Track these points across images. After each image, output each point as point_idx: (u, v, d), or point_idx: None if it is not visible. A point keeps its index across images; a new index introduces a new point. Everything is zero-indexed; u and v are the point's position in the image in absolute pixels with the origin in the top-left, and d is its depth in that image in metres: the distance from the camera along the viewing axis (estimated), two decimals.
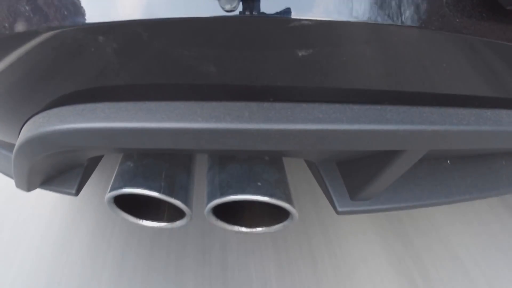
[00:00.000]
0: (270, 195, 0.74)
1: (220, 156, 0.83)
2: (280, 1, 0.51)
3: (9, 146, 0.82)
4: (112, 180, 0.78)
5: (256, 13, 0.51)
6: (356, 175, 0.80)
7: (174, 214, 0.86)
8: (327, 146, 0.61)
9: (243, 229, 0.87)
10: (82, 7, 0.52)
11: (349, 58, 0.56)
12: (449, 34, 0.55)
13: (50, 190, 0.86)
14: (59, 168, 0.83)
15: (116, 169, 0.79)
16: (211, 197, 0.77)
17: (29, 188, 0.80)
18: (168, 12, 0.51)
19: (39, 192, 1.53)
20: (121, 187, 0.74)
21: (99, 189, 1.57)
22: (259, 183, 0.75)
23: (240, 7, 0.51)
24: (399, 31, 0.54)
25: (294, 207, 0.76)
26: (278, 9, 0.51)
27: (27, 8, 0.53)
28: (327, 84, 0.59)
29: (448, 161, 0.93)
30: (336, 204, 0.82)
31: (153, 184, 0.75)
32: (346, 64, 0.57)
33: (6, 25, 0.55)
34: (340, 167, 0.85)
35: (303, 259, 1.30)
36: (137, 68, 0.57)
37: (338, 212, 0.83)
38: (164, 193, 0.74)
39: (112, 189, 0.75)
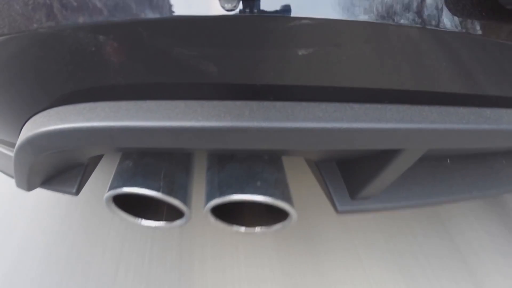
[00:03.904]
0: (269, 195, 0.73)
1: (219, 155, 0.83)
2: (280, 0, 0.51)
3: (10, 145, 0.82)
4: (111, 179, 0.77)
5: (256, 12, 0.51)
6: (356, 174, 0.80)
7: (173, 213, 0.86)
8: (327, 145, 0.61)
9: (242, 229, 0.87)
10: (82, 6, 0.52)
11: (349, 57, 0.56)
12: (449, 34, 0.56)
13: (50, 189, 0.86)
14: (59, 168, 0.83)
15: (115, 168, 0.79)
16: (210, 197, 0.76)
17: (29, 187, 0.80)
18: (168, 11, 0.51)
19: (38, 192, 1.53)
20: (120, 186, 0.74)
21: (98, 188, 1.57)
22: (258, 183, 0.75)
23: (240, 6, 0.51)
24: (399, 30, 0.54)
25: (293, 207, 0.76)
26: (278, 8, 0.51)
27: (27, 7, 0.53)
28: (327, 83, 0.59)
29: (448, 160, 0.93)
30: (336, 203, 0.82)
31: (152, 183, 0.75)
32: (346, 63, 0.57)
33: (6, 24, 0.55)
34: (340, 166, 0.85)
35: (303, 259, 1.31)
36: (137, 67, 0.57)
37: (338, 212, 0.83)
38: (163, 192, 0.74)
39: (111, 188, 0.75)
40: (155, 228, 0.88)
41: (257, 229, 0.86)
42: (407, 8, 0.53)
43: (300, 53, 0.55)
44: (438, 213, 1.54)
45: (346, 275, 1.26)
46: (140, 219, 0.87)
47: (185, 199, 0.78)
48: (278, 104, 0.58)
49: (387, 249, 1.37)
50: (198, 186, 0.98)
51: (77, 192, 0.86)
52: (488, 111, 0.65)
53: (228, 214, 0.86)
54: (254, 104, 0.58)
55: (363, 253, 1.34)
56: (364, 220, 1.49)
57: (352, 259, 1.32)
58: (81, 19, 0.52)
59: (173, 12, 0.52)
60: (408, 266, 1.31)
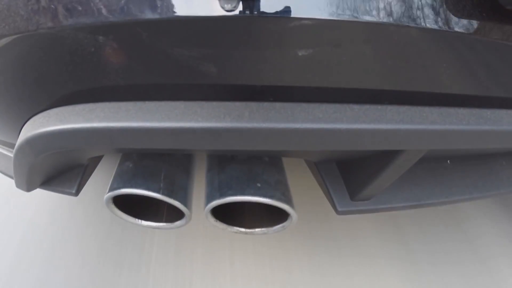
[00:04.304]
0: (270, 197, 0.73)
1: (220, 157, 0.83)
2: (280, 0, 0.51)
3: (10, 146, 0.82)
4: (111, 180, 0.77)
5: (256, 13, 0.51)
6: (356, 175, 0.80)
7: (173, 214, 0.86)
8: (327, 146, 0.61)
9: (242, 229, 0.87)
10: (81, 7, 0.52)
11: (349, 58, 0.56)
12: (449, 34, 0.55)
13: (50, 190, 0.86)
14: (59, 168, 0.83)
15: (115, 170, 0.79)
16: (210, 198, 0.77)
17: (29, 188, 0.80)
18: (168, 11, 0.51)
19: (38, 193, 1.53)
20: (120, 188, 0.74)
21: (99, 189, 1.57)
22: (259, 184, 0.75)
23: (240, 7, 0.51)
24: (399, 30, 0.54)
25: (293, 208, 0.76)
26: (278, 9, 0.51)
27: (27, 8, 0.53)
28: (327, 84, 0.59)
29: (448, 161, 0.93)
30: (336, 204, 0.82)
31: (152, 184, 0.75)
32: (346, 63, 0.57)
33: (7, 25, 0.55)
34: (340, 167, 0.85)
35: (303, 260, 1.30)
36: (137, 68, 0.57)
37: (338, 212, 0.83)
38: (163, 193, 0.74)
39: (111, 190, 0.75)
40: (156, 229, 0.87)
41: (257, 230, 0.86)
42: (407, 8, 0.53)
43: (300, 53, 0.55)
44: (454, 215, 1.53)
45: (350, 279, 1.26)
46: (140, 220, 0.87)
47: (185, 200, 0.78)
48: (278, 105, 0.58)
49: (398, 250, 1.36)
50: (199, 187, 0.98)
51: (76, 193, 0.86)
52: (488, 112, 0.65)
53: (229, 215, 0.86)
54: (253, 105, 0.58)
55: (370, 255, 1.34)
56: (370, 220, 1.48)
57: (357, 261, 1.32)
58: (80, 20, 0.52)
59: (172, 12, 0.51)
60: (423, 269, 1.30)
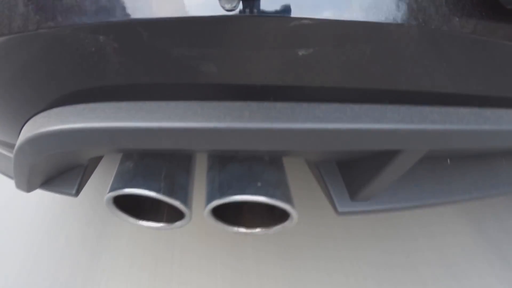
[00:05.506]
0: (270, 196, 0.73)
1: (220, 156, 0.83)
2: (280, 0, 0.51)
3: (9, 146, 0.82)
4: (112, 180, 0.77)
5: (256, 13, 0.51)
6: (356, 175, 0.80)
7: (174, 214, 0.86)
8: (327, 146, 0.61)
9: (243, 229, 0.86)
10: (82, 6, 0.52)
11: (349, 58, 0.56)
12: (449, 34, 0.55)
13: (50, 190, 0.86)
14: (59, 169, 0.83)
15: (116, 170, 0.79)
16: (210, 198, 0.76)
17: (29, 188, 0.80)
18: (168, 11, 0.52)
19: (38, 193, 1.53)
20: (121, 188, 0.74)
21: (99, 189, 1.57)
22: (259, 184, 0.75)
23: (240, 7, 0.51)
24: (399, 30, 0.54)
25: (294, 208, 0.76)
26: (278, 9, 0.51)
27: (27, 8, 0.54)
28: (327, 83, 0.59)
29: (448, 160, 0.93)
30: (336, 204, 0.82)
31: (152, 184, 0.74)
32: (346, 63, 0.57)
33: (7, 25, 0.55)
34: (340, 167, 0.84)
35: (303, 260, 1.30)
36: (137, 68, 0.57)
37: (338, 213, 0.82)
38: (163, 193, 0.74)
39: (111, 190, 0.74)
40: (156, 229, 0.87)
41: (258, 230, 0.86)
42: (406, 8, 0.53)
43: (300, 53, 0.55)
44: (459, 213, 1.53)
45: (349, 279, 1.26)
46: (140, 220, 0.87)
47: (185, 200, 0.78)
48: (278, 105, 0.58)
49: (396, 250, 1.36)
50: (199, 187, 0.98)
51: (76, 193, 0.86)
52: (488, 112, 0.65)
53: (229, 214, 0.86)
54: (254, 105, 0.58)
55: (368, 258, 1.34)
56: (370, 219, 1.48)
57: (355, 263, 1.32)
58: (81, 20, 0.52)
59: (173, 12, 0.52)
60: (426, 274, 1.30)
